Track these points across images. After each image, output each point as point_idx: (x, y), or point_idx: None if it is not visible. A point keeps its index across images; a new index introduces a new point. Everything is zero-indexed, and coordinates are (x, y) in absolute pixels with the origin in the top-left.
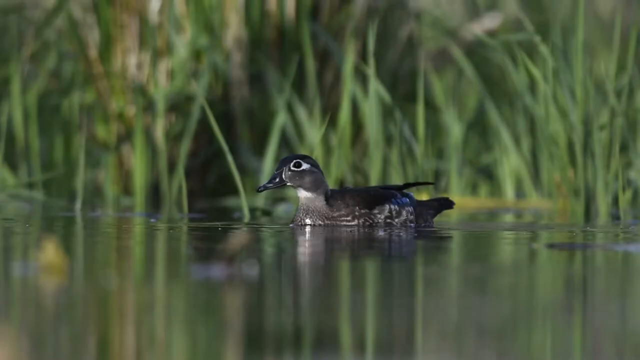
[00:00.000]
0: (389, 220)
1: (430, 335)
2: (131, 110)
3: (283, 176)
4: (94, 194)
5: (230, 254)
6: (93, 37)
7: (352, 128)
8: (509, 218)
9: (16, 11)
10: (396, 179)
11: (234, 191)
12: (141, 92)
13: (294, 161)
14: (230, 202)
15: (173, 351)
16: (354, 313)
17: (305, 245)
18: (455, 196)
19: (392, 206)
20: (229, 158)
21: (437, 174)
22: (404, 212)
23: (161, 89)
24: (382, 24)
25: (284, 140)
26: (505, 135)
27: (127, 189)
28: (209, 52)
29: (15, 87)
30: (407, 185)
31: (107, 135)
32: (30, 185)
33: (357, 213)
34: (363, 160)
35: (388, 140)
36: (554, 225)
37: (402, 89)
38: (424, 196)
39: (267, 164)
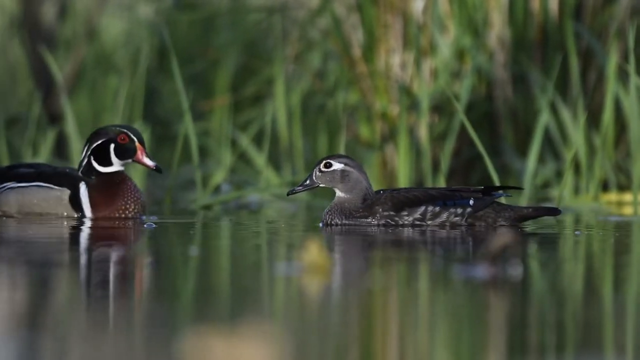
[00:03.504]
0: (418, 222)
1: None
2: (394, 110)
3: (313, 177)
4: None
5: (494, 254)
6: (357, 37)
7: (615, 128)
8: None
9: (280, 11)
10: None
11: None
12: (405, 91)
13: (324, 162)
14: None
15: (438, 351)
16: (616, 313)
17: (571, 247)
18: None
19: (430, 208)
20: (487, 159)
21: None
22: (444, 214)
23: (425, 89)
24: None
25: (547, 141)
26: None
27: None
28: (472, 52)
29: (280, 87)
30: (492, 188)
31: (370, 135)
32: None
33: (379, 216)
34: (626, 160)
35: None
36: None
37: None
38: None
39: (530, 164)
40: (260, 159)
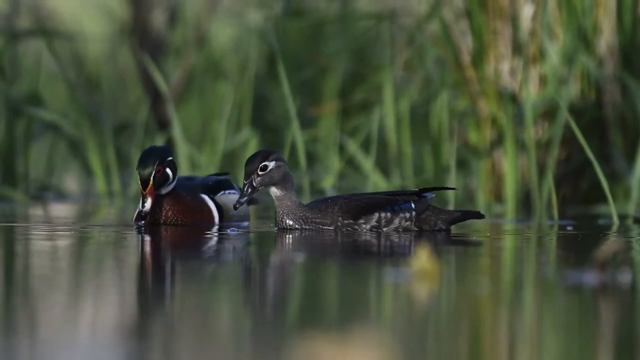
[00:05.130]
0: (375, 230)
1: None
2: (503, 116)
3: (254, 183)
4: (465, 200)
5: (603, 261)
6: (466, 43)
7: None
8: None
9: (389, 18)
10: None
11: (606, 198)
12: (513, 98)
13: (260, 165)
14: (601, 209)
15: (547, 358)
16: None
17: None
18: None
19: (384, 214)
20: (596, 165)
21: None
22: (396, 220)
23: (532, 96)
24: None
25: None
26: None
27: (498, 196)
28: (581, 58)
29: (388, 93)
30: (424, 190)
31: (479, 141)
32: None
33: (339, 223)
34: None
35: None
36: None
37: None
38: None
39: (638, 170)
40: (368, 164)
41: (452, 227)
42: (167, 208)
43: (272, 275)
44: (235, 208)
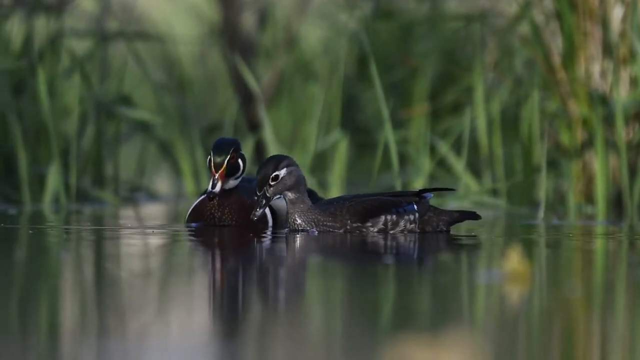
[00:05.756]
0: (383, 232)
1: None
2: (593, 118)
3: (267, 194)
4: (556, 201)
5: None
6: (556, 44)
7: None
8: None
9: (479, 19)
10: None
11: None
12: (603, 99)
13: (271, 176)
14: None
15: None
16: None
17: None
18: None
19: (389, 216)
20: None
21: None
22: (401, 222)
23: (623, 97)
24: None
25: None
26: None
27: (589, 197)
28: None
29: (479, 95)
30: (424, 191)
31: (569, 142)
32: (494, 192)
33: (348, 227)
34: None
35: None
36: None
37: None
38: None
39: None
40: (459, 166)
41: (502, 230)
42: (225, 206)
43: (363, 277)
44: (252, 219)
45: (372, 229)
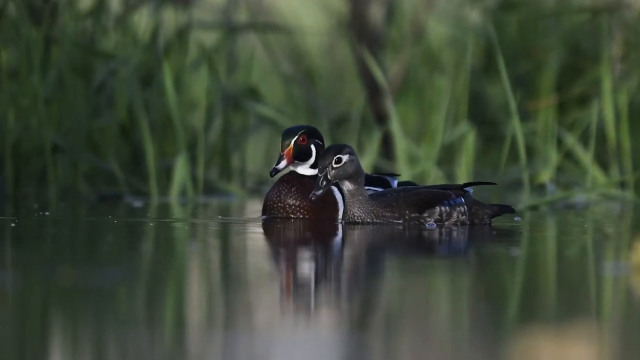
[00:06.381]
0: (439, 223)
1: None
2: None
3: (329, 176)
4: None
5: None
6: None
7: None
8: None
9: (606, 11)
10: None
11: None
12: None
13: (335, 157)
14: None
15: None
16: None
17: None
18: None
19: (444, 208)
20: None
21: None
22: (454, 214)
23: None
24: None
25: None
26: None
27: None
28: None
29: (607, 86)
30: (467, 185)
31: None
32: (622, 185)
33: (407, 217)
34: None
35: None
36: None
37: None
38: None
39: None
40: (586, 158)
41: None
42: (295, 194)
43: (486, 268)
44: (310, 200)
45: (429, 219)
